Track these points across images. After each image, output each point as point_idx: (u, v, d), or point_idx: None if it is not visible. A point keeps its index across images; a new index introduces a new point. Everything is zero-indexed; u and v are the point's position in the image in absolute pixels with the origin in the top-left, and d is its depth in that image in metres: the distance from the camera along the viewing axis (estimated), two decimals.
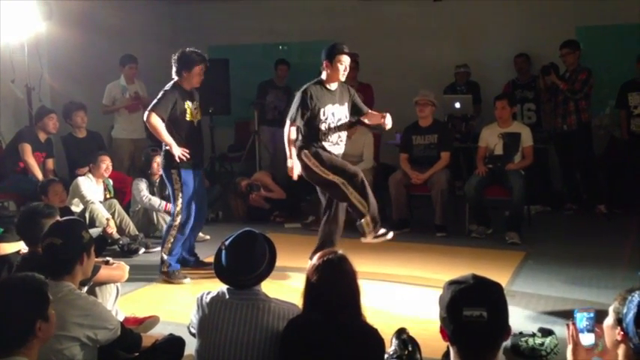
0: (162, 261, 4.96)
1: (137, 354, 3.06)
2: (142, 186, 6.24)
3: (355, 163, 6.35)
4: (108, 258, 3.81)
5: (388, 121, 4.81)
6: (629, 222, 6.26)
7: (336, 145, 4.80)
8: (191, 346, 2.94)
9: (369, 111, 5.04)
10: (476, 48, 8.01)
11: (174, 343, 3.12)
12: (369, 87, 7.36)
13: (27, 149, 6.22)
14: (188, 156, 4.82)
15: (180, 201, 4.90)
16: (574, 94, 6.54)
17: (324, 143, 4.72)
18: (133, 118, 7.28)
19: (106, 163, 6.10)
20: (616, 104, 6.84)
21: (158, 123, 4.77)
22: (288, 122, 4.75)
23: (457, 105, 7.12)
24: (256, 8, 8.95)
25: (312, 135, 4.71)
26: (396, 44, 8.28)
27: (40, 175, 6.14)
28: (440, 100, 6.74)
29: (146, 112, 4.84)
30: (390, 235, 4.75)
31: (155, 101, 4.85)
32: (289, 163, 4.77)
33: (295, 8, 8.76)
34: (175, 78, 4.91)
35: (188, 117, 4.90)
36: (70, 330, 2.59)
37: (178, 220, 4.92)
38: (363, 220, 4.64)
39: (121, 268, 3.70)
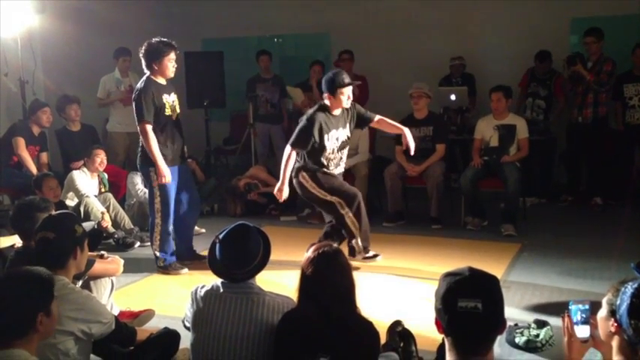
0: (157, 257, 4.96)
1: (132, 348, 3.05)
2: (137, 180, 6.22)
3: (351, 155, 6.37)
4: (102, 252, 3.80)
5: (411, 145, 4.94)
6: (624, 213, 6.27)
7: (337, 166, 4.89)
8: (186, 339, 2.94)
9: (379, 118, 5.01)
10: (471, 40, 8.00)
11: (169, 337, 3.12)
12: (363, 79, 7.34)
13: (20, 143, 6.19)
14: (169, 179, 4.76)
15: (158, 199, 4.85)
16: (601, 86, 6.44)
17: (324, 169, 4.77)
18: (128, 111, 7.23)
19: (100, 157, 6.08)
20: (612, 96, 6.82)
21: (152, 137, 4.69)
22: (288, 147, 4.72)
23: (452, 97, 7.11)
24: (250, 1, 8.91)
25: (314, 159, 4.75)
26: (391, 36, 8.27)
27: (34, 169, 6.12)
28: (435, 93, 6.73)
29: (138, 125, 4.73)
30: (379, 258, 4.85)
31: (138, 110, 4.70)
32: (278, 185, 4.75)
33: (289, 1, 8.73)
34: (147, 72, 4.77)
35: (167, 111, 4.80)
36: (64, 324, 2.57)
37: (159, 216, 4.88)
38: (354, 241, 4.75)
39: (115, 261, 3.68)
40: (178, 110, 4.95)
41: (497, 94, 6.09)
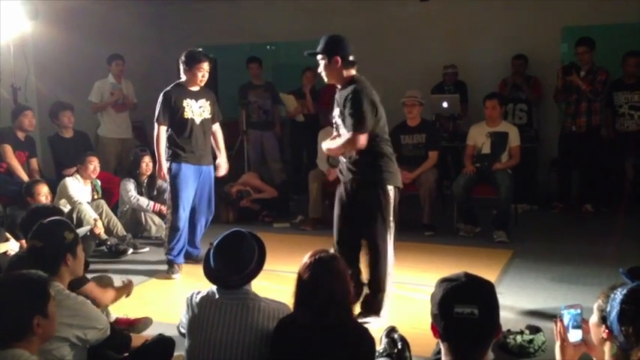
0: (166, 251, 5.10)
1: (127, 354, 3.05)
2: (130, 186, 6.21)
3: None
4: (128, 278, 3.76)
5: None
6: (614, 220, 6.31)
7: None
8: (181, 346, 2.94)
9: None
10: (463, 48, 8.05)
11: (164, 344, 3.11)
12: None
13: (8, 150, 6.09)
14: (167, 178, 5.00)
15: (169, 196, 5.05)
16: (596, 95, 6.50)
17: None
18: (120, 117, 7.25)
19: (93, 164, 6.05)
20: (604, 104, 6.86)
21: (158, 137, 4.96)
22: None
23: (445, 104, 7.16)
24: (243, 8, 8.94)
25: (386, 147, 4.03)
26: (384, 44, 8.31)
27: (24, 177, 6.03)
28: (427, 100, 6.76)
29: (155, 125, 4.99)
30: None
31: (156, 112, 4.97)
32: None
33: (282, 8, 8.76)
34: (182, 78, 5.01)
35: (186, 115, 4.96)
36: (59, 330, 2.56)
37: (169, 211, 5.06)
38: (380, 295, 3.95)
39: (109, 295, 3.44)
40: (205, 116, 5.07)
41: (492, 101, 6.13)
